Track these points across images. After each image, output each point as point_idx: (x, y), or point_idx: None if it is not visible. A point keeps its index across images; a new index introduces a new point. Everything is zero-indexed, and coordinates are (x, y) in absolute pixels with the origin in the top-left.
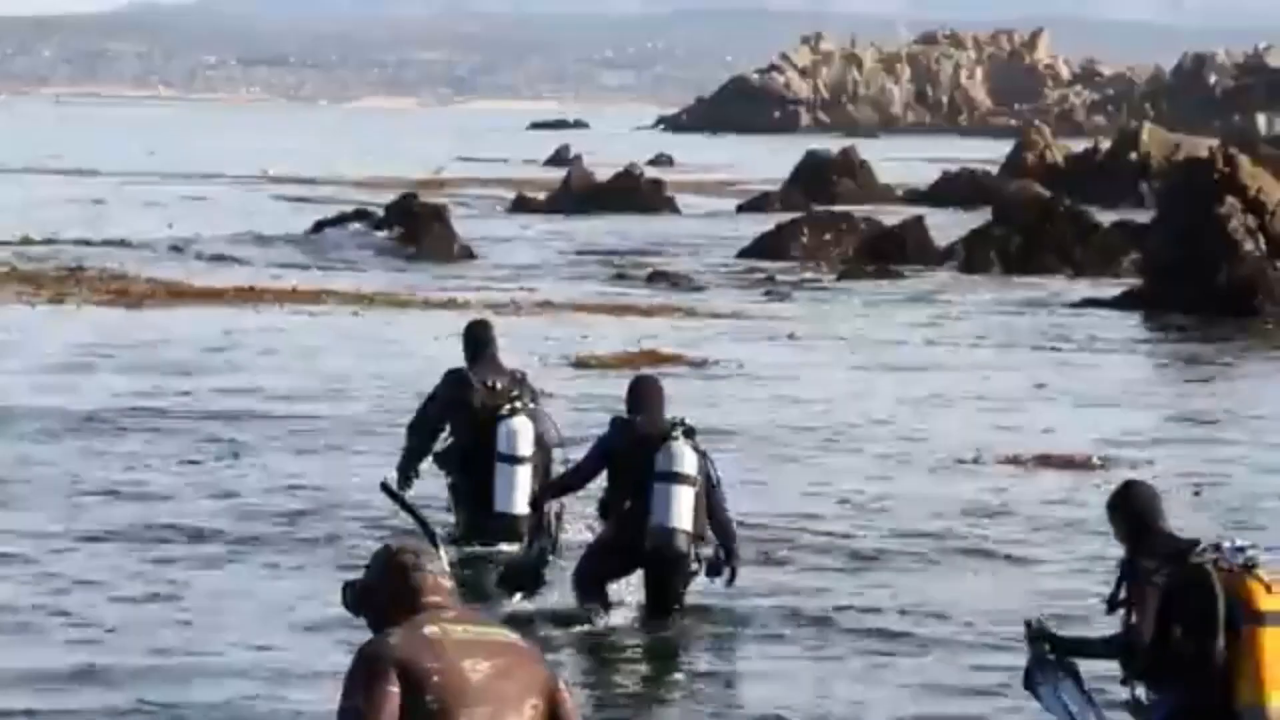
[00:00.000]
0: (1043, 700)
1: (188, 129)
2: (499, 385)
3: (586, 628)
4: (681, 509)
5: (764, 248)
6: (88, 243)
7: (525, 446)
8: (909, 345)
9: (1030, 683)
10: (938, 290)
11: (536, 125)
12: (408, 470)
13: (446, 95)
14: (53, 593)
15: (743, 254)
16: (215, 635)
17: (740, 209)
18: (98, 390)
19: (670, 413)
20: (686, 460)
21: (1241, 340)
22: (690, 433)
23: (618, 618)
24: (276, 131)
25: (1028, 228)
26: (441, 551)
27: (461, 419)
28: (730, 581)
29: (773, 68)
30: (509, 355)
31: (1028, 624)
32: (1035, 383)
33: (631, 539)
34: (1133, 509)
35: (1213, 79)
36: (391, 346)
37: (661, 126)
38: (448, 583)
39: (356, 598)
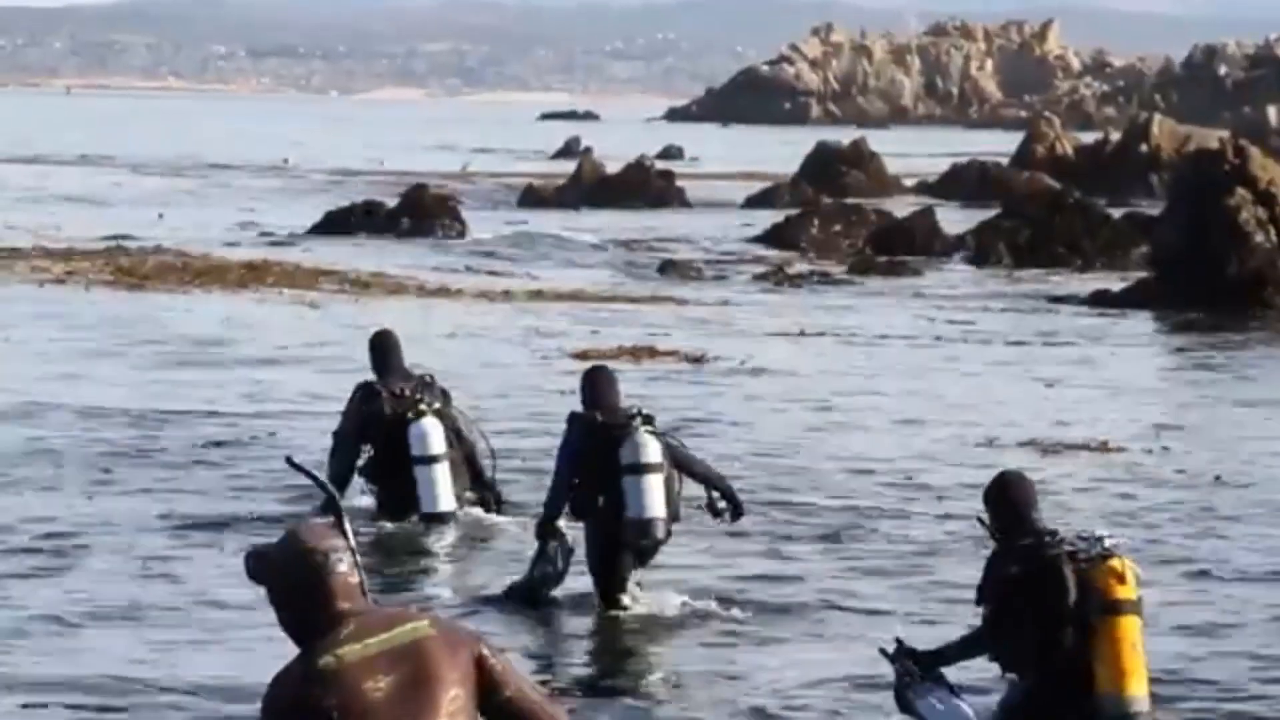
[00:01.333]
0: (923, 713)
1: (209, 120)
2: (405, 391)
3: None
4: (655, 498)
5: (774, 239)
6: (126, 239)
7: (437, 445)
8: (919, 338)
9: (904, 702)
10: (947, 282)
11: (547, 116)
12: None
13: (455, 86)
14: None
15: (752, 244)
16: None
17: (750, 201)
18: (110, 380)
19: (675, 407)
20: (650, 449)
21: (1252, 332)
22: (649, 420)
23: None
24: (294, 123)
25: (1037, 220)
26: (347, 526)
27: (375, 430)
28: (735, 517)
29: (782, 59)
30: (512, 348)
31: (883, 651)
32: (1047, 374)
33: (610, 532)
34: (1009, 499)
35: (1223, 70)
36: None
37: (670, 118)
38: (355, 578)
39: (261, 573)
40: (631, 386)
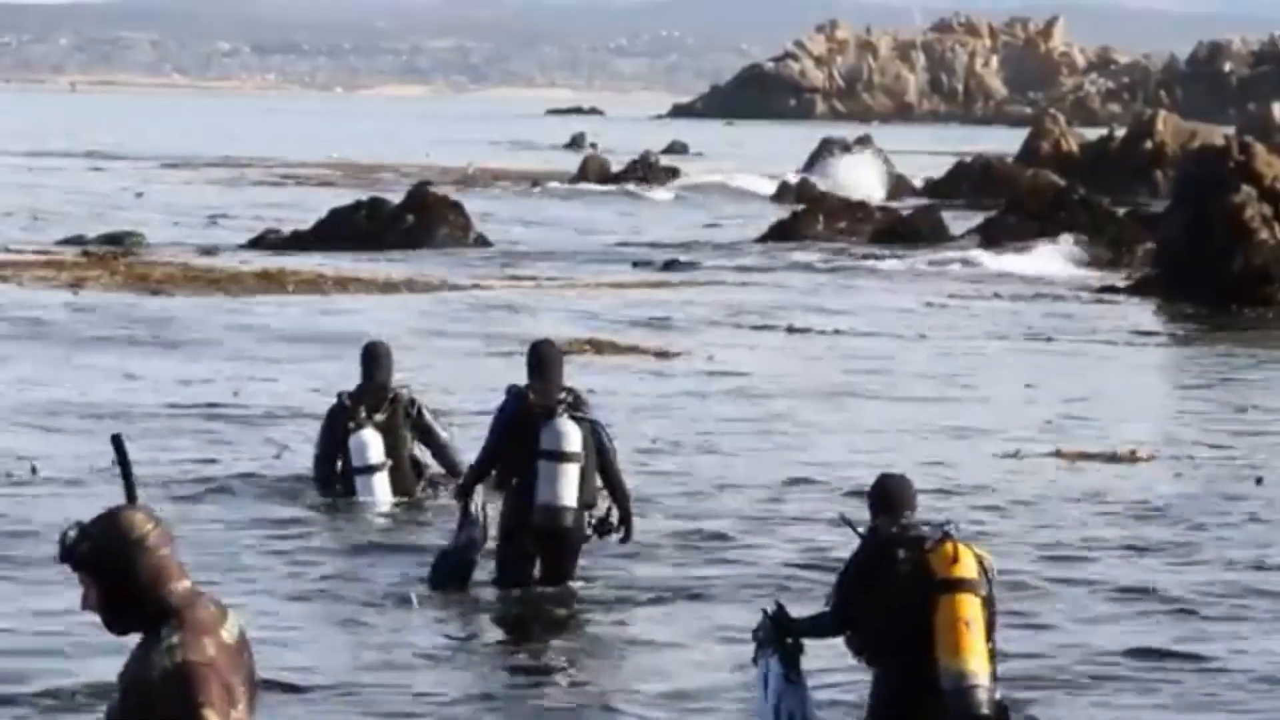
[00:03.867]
0: (756, 676)
1: (234, 117)
2: (362, 403)
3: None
4: (566, 486)
5: (778, 235)
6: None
7: (374, 455)
8: (919, 335)
9: (755, 659)
10: (950, 278)
11: (552, 112)
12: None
13: (460, 83)
14: None
15: (759, 240)
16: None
17: (754, 196)
18: (139, 382)
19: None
20: (570, 438)
21: (1260, 328)
22: (575, 405)
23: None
24: (320, 120)
25: (1041, 216)
26: None
27: (339, 436)
28: (625, 539)
29: (787, 56)
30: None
31: (765, 611)
32: (1055, 375)
33: (522, 516)
34: (883, 492)
35: (1227, 67)
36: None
37: (675, 115)
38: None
39: (88, 556)
40: (640, 383)
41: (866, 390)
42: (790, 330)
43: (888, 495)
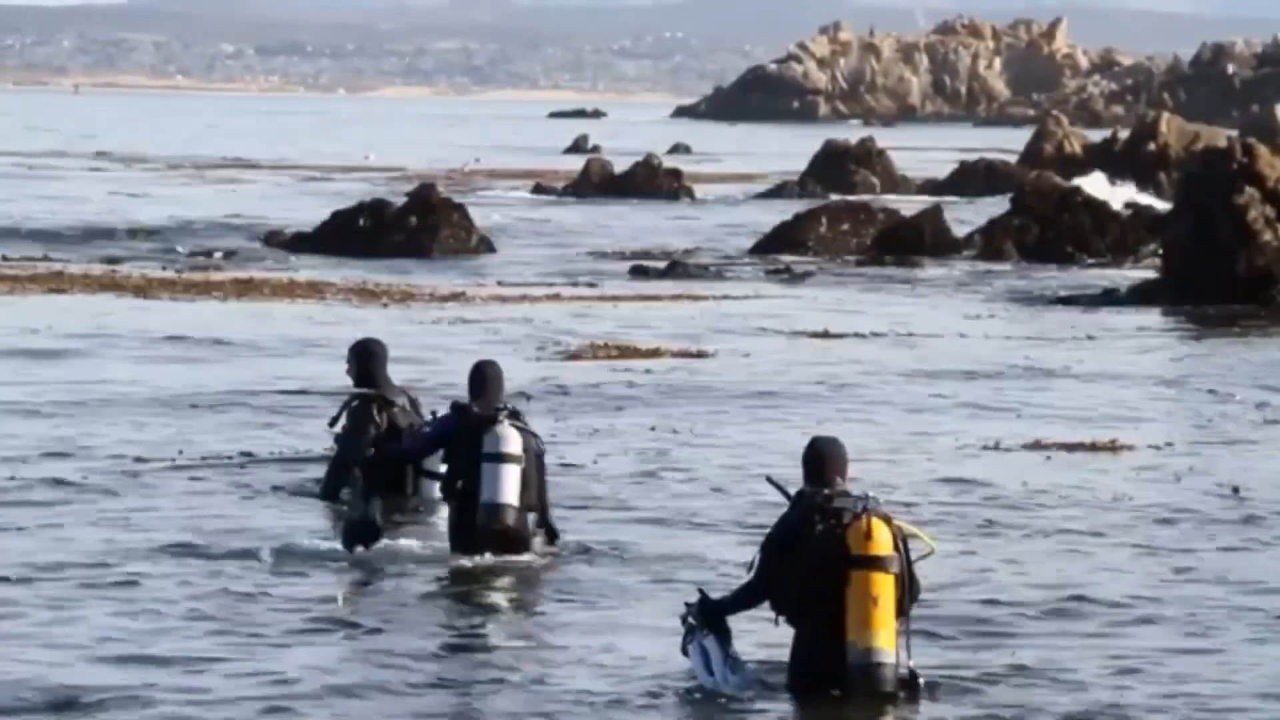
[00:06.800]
0: (691, 658)
1: (257, 118)
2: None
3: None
4: (507, 486)
5: (782, 237)
6: None
7: (513, 447)
8: (928, 334)
9: (684, 647)
10: (957, 279)
11: (555, 114)
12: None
13: (464, 85)
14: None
15: (760, 243)
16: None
17: (758, 198)
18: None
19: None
20: (511, 441)
21: (1262, 329)
22: (515, 414)
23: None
24: (349, 122)
25: (1045, 218)
26: None
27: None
28: (551, 541)
29: (790, 58)
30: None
31: (687, 604)
32: (1058, 374)
33: (468, 517)
34: (813, 456)
35: (1231, 69)
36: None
37: (678, 116)
38: None
39: None
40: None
41: (863, 379)
42: (827, 333)
43: (818, 458)
